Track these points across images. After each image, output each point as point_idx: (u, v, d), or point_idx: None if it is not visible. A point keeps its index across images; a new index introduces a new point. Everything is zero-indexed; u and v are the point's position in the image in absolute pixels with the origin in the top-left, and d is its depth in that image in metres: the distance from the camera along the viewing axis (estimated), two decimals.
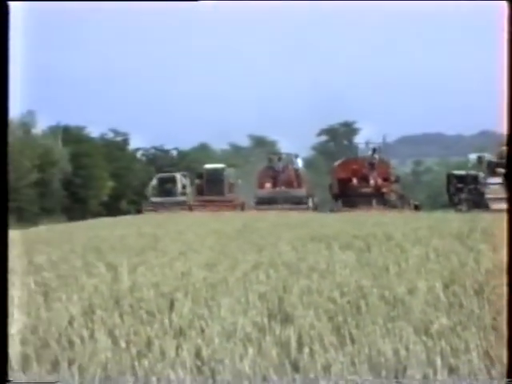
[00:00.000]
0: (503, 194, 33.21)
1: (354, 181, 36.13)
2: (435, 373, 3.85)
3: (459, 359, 4.09)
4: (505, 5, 3.81)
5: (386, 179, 36.53)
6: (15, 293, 6.78)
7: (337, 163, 39.92)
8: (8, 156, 3.70)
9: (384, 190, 35.79)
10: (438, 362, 3.99)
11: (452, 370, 3.94)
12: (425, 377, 3.82)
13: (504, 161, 35.31)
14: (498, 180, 33.93)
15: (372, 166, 36.63)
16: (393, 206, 33.09)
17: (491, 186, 33.72)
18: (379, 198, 35.12)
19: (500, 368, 3.93)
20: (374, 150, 38.10)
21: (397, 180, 38.51)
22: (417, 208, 34.07)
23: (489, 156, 36.78)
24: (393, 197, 35.57)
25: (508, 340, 3.50)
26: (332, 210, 32.62)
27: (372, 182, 36.02)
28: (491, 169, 34.78)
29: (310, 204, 35.92)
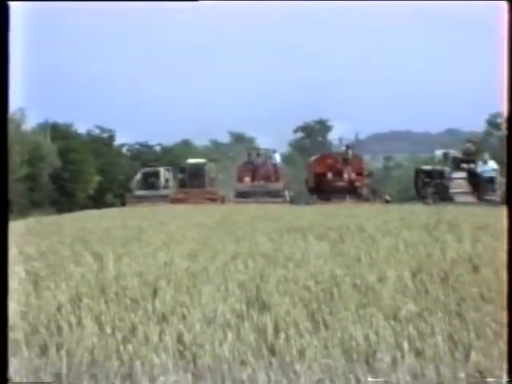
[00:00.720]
0: (467, 188, 33.63)
1: (329, 175, 36.26)
2: (403, 356, 3.85)
3: (425, 343, 4.12)
4: (505, 5, 3.68)
5: (359, 174, 36.68)
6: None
7: (312, 159, 40.02)
8: (7, 149, 3.42)
9: (357, 184, 35.94)
10: (406, 345, 4.01)
11: (419, 353, 3.95)
12: (393, 360, 3.80)
13: (468, 157, 35.74)
14: (462, 175, 34.27)
15: (346, 161, 36.78)
16: (365, 200, 33.24)
17: (456, 181, 34.02)
18: (353, 191, 35.27)
19: (462, 350, 3.99)
20: (348, 147, 38.32)
21: (369, 175, 38.72)
22: (388, 201, 34.28)
23: (454, 152, 37.11)
24: (365, 191, 35.74)
25: (508, 340, 3.42)
26: (308, 203, 32.69)
27: (346, 176, 36.16)
28: (456, 164, 35.09)
29: (287, 197, 35.98)
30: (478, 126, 66.60)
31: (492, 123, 67.03)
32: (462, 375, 3.52)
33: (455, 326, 4.51)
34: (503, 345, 4.05)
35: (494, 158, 36.11)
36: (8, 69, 3.52)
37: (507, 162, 3.58)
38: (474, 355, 3.82)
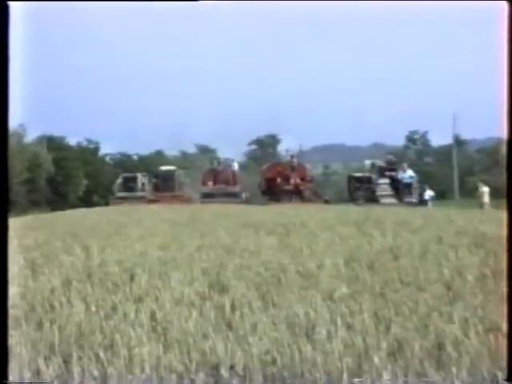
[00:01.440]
0: (390, 192, 34.07)
1: (278, 180, 36.31)
2: (336, 329, 3.88)
3: (355, 318, 4.16)
4: (505, 5, 3.28)
5: (303, 179, 36.80)
6: (8, 268, 6.66)
7: (264, 166, 40.05)
8: (8, 153, 3.17)
9: (301, 187, 36.06)
10: (339, 321, 4.06)
11: (349, 327, 3.98)
12: (329, 333, 3.82)
13: (390, 166, 36.24)
14: (386, 181, 34.69)
15: (292, 168, 36.90)
16: (308, 201, 33.35)
17: (381, 186, 34.40)
18: (298, 194, 35.37)
19: (384, 324, 4.05)
20: (293, 157, 38.53)
21: (311, 180, 38.87)
22: (327, 202, 34.47)
23: (379, 162, 37.62)
24: (308, 193, 35.92)
25: (508, 340, 3.15)
26: (260, 204, 32.70)
27: (292, 181, 36.26)
28: (381, 172, 35.50)
29: (243, 198, 35.96)
30: (399, 140, 67.61)
31: (410, 139, 68.02)
32: (384, 345, 3.58)
33: (379, 305, 4.59)
34: (417, 320, 4.14)
35: (411, 167, 36.76)
36: (8, 68, 3.18)
37: (507, 164, 3.31)
38: (392, 328, 3.90)
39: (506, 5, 3.26)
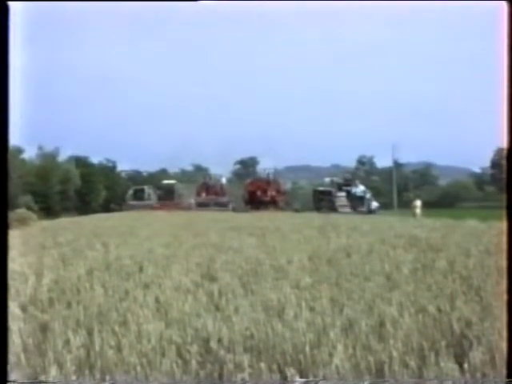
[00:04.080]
0: (346, 203, 34.16)
1: (258, 193, 36.33)
2: (301, 311, 3.86)
3: (316, 302, 4.17)
4: (505, 5, 2.75)
5: (278, 192, 36.93)
6: (45, 259, 6.62)
7: (247, 181, 40.03)
8: (8, 161, 2.71)
9: (277, 198, 36.14)
10: (303, 304, 4.05)
11: (311, 309, 3.97)
12: (295, 314, 3.79)
13: (346, 182, 36.41)
14: (343, 194, 34.81)
15: (269, 183, 36.98)
16: (282, 209, 33.39)
17: (339, 198, 34.51)
18: (273, 204, 35.42)
19: (338, 307, 4.06)
20: (269, 174, 38.59)
21: (284, 193, 39.06)
22: (297, 210, 34.43)
23: (337, 179, 37.86)
24: (282, 203, 36.00)
25: (508, 340, 2.75)
26: (244, 211, 32.62)
27: (269, 193, 36.34)
28: (339, 187, 35.66)
29: (230, 207, 35.88)
30: (351, 162, 68.00)
31: (360, 162, 68.59)
32: (338, 323, 3.59)
33: (335, 292, 4.61)
34: (364, 303, 4.16)
35: (362, 183, 37.01)
36: (8, 68, 2.68)
37: (507, 166, 2.86)
38: (345, 310, 3.93)
39: (505, 5, 2.76)
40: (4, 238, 2.72)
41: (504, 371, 2.75)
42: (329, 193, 35.35)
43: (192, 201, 37.15)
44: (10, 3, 2.65)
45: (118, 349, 3.15)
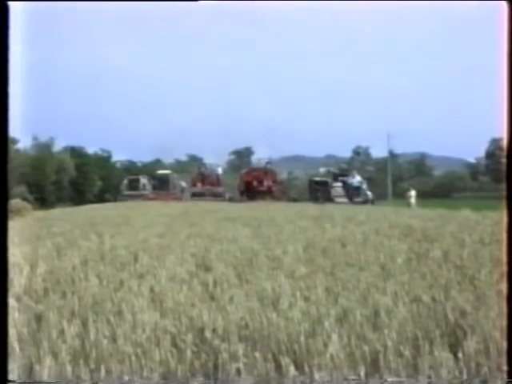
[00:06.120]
0: (342, 193, 34.20)
1: (254, 183, 36.18)
2: (296, 301, 3.85)
3: (311, 292, 4.16)
4: (505, 5, 2.70)
5: (274, 182, 36.84)
6: (40, 250, 6.59)
7: (243, 171, 39.82)
8: (8, 155, 2.73)
9: (273, 188, 36.08)
10: (298, 294, 4.05)
11: (306, 299, 3.96)
12: (290, 303, 3.79)
13: (342, 172, 36.42)
14: (339, 184, 34.83)
15: (265, 173, 36.86)
16: (278, 199, 33.36)
17: (335, 188, 34.50)
18: (270, 193, 35.35)
19: (333, 297, 4.06)
20: (267, 163, 38.47)
21: (281, 183, 38.97)
22: (295, 200, 34.36)
23: (333, 169, 37.83)
24: (278, 193, 35.95)
25: (508, 339, 2.73)
26: (239, 202, 32.61)
27: (265, 183, 36.26)
28: (335, 177, 35.64)
29: (226, 197, 35.84)
30: (347, 153, 68.08)
31: (355, 152, 68.68)
32: (333, 313, 3.59)
33: (330, 282, 4.61)
34: (358, 293, 4.17)
35: (359, 173, 37.03)
36: (8, 67, 2.65)
37: (507, 166, 2.80)
38: (339, 299, 3.93)
39: (505, 5, 2.72)
40: (4, 238, 2.82)
41: (503, 368, 2.75)
42: (325, 183, 35.32)
43: (187, 191, 37.11)
44: (10, 3, 2.66)
45: (113, 339, 3.14)
